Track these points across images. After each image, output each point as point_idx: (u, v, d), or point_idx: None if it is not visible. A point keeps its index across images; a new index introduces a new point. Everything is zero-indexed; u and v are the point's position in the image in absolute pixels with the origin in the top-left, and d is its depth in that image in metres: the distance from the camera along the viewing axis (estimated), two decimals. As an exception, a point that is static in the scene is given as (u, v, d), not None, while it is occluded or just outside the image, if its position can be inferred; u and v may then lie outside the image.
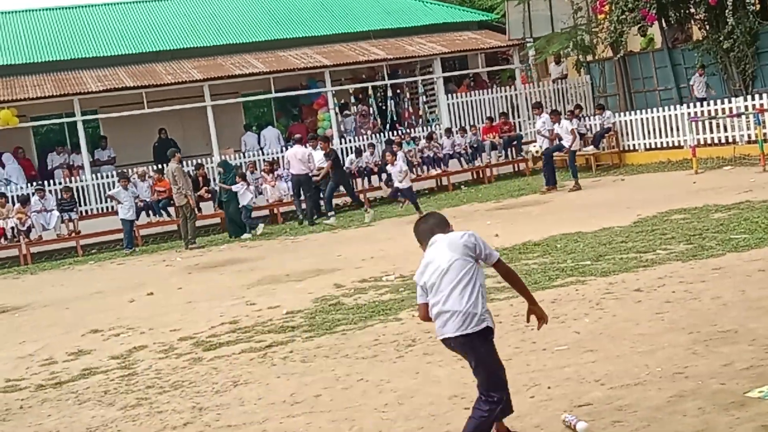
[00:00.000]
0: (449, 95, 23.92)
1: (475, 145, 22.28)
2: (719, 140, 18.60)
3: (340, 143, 22.50)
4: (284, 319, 8.86)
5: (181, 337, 8.72)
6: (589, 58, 23.23)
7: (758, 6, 18.58)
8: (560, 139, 18.14)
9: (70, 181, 20.69)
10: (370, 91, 23.98)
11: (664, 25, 20.58)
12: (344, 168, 19.68)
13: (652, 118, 20.24)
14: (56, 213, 18.97)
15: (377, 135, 22.85)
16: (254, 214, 19.17)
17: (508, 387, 4.51)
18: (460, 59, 25.91)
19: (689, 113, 18.99)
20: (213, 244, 17.68)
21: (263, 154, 22.09)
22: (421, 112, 24.49)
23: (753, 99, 17.87)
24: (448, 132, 22.51)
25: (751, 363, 5.36)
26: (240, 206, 18.06)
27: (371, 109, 24.00)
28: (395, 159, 17.71)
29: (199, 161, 20.72)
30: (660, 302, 7.28)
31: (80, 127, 21.14)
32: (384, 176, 21.04)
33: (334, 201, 19.15)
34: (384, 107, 24.24)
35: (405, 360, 6.73)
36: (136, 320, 10.03)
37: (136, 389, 7.01)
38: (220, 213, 19.12)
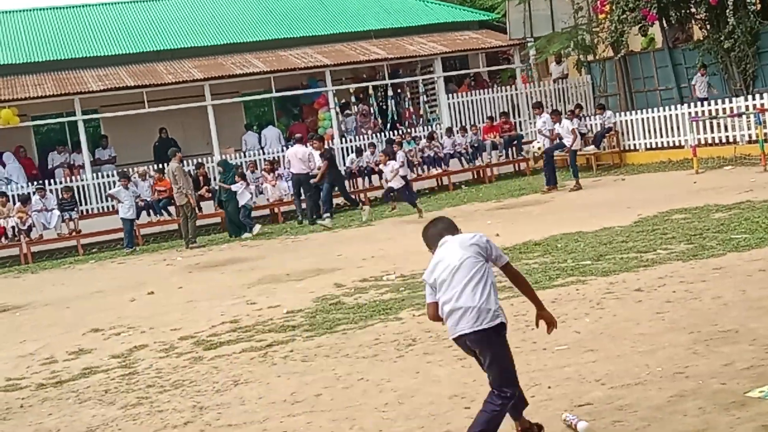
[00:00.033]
0: (450, 95, 23.92)
1: (475, 145, 22.28)
2: (720, 140, 18.60)
3: (341, 143, 22.51)
4: (285, 319, 8.86)
5: (182, 336, 8.72)
6: (590, 57, 23.23)
7: (759, 6, 18.58)
8: (561, 138, 18.14)
9: (71, 181, 20.71)
10: (371, 91, 23.98)
11: (664, 24, 20.58)
12: (339, 168, 19.59)
13: (653, 117, 20.24)
14: (57, 212, 18.97)
15: (378, 134, 22.85)
16: (255, 213, 19.20)
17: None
18: (460, 59, 25.91)
19: (690, 113, 18.99)
20: (213, 243, 17.68)
21: (264, 153, 22.09)
22: (421, 112, 24.50)
23: (754, 99, 17.87)
24: (449, 131, 22.51)
25: (751, 363, 5.36)
26: (239, 206, 18.05)
27: (372, 108, 24.00)
28: (388, 159, 17.71)
29: (200, 161, 20.72)
30: (660, 302, 7.28)
31: (81, 126, 21.15)
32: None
33: (335, 201, 19.15)
34: (385, 107, 24.25)
35: (405, 359, 6.73)
36: (137, 319, 10.04)
37: (136, 388, 7.01)
38: (221, 212, 19.13)
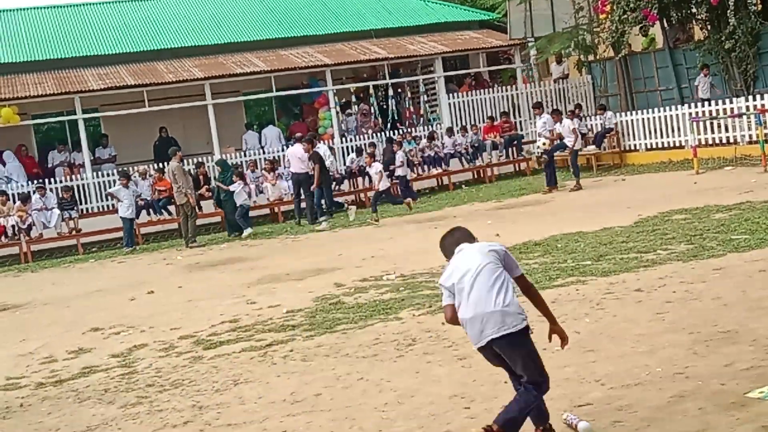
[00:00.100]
0: (450, 94, 23.91)
1: (476, 145, 22.27)
2: (720, 140, 18.59)
3: (341, 142, 22.52)
4: (284, 318, 8.86)
5: (182, 336, 8.72)
6: (591, 57, 23.23)
7: (760, 6, 18.57)
8: (562, 138, 18.13)
9: (71, 179, 20.71)
10: (372, 90, 23.98)
11: (665, 25, 20.57)
12: (326, 170, 19.46)
13: (654, 118, 20.24)
14: (57, 211, 18.97)
15: (378, 134, 22.84)
16: (255, 212, 19.19)
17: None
18: (461, 58, 25.91)
19: (690, 113, 18.99)
20: (213, 242, 17.68)
21: (264, 152, 22.09)
22: (422, 112, 24.50)
23: (754, 99, 17.87)
24: (449, 131, 22.51)
25: (751, 363, 5.36)
26: (237, 205, 18.01)
27: (372, 108, 24.00)
28: (372, 160, 17.67)
29: (200, 160, 20.71)
30: (660, 302, 7.28)
31: (81, 125, 21.15)
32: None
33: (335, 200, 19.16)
34: (385, 106, 24.24)
35: (405, 359, 6.73)
36: (137, 319, 10.04)
37: (136, 387, 7.01)
38: (221, 212, 19.12)
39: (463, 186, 21.63)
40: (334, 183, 20.18)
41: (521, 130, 23.69)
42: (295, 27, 25.28)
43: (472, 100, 23.97)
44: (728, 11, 17.99)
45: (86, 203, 20.69)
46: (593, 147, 20.95)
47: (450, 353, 6.64)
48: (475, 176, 22.54)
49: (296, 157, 18.57)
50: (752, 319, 6.36)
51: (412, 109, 24.72)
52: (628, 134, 20.93)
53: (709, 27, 19.48)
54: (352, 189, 21.05)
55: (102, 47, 23.66)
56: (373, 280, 10.32)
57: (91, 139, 22.68)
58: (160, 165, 20.26)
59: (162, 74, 22.12)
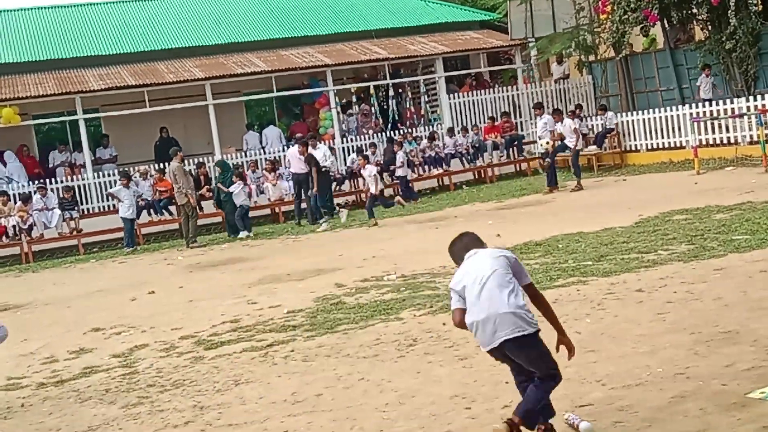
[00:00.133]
0: (451, 95, 23.91)
1: (476, 145, 22.27)
2: (721, 141, 18.59)
3: (342, 142, 22.52)
4: (285, 318, 8.86)
5: (183, 336, 8.73)
6: (591, 58, 23.23)
7: (761, 6, 18.56)
8: (563, 138, 18.11)
9: (72, 180, 20.71)
10: (372, 91, 23.98)
11: (666, 25, 20.57)
12: (328, 170, 19.41)
13: (654, 118, 20.23)
14: (58, 211, 18.97)
15: (379, 134, 22.85)
16: (256, 213, 19.16)
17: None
18: (462, 59, 25.91)
19: (691, 114, 18.98)
20: (214, 243, 17.68)
21: (265, 153, 22.09)
22: (423, 112, 24.50)
23: (755, 99, 17.87)
24: (450, 131, 22.51)
25: (752, 364, 5.36)
26: (237, 205, 17.97)
27: (373, 108, 24.00)
28: (366, 163, 17.63)
29: (201, 160, 20.72)
30: (661, 303, 7.28)
31: (82, 125, 21.16)
32: (386, 175, 21.06)
33: (336, 201, 19.15)
34: (386, 107, 24.25)
35: (406, 359, 6.73)
36: (138, 319, 10.04)
37: (137, 388, 7.01)
38: (221, 212, 19.12)
39: (464, 186, 21.62)
40: (335, 183, 20.19)
41: (522, 130, 23.68)
42: (296, 27, 25.29)
43: (473, 100, 23.96)
44: (729, 11, 17.99)
45: (87, 203, 20.69)
46: (594, 147, 20.95)
47: (451, 353, 6.65)
48: (476, 176, 22.53)
49: (296, 158, 18.55)
50: (753, 319, 6.36)
51: (412, 109, 24.72)
52: (629, 134, 20.92)
53: (709, 27, 19.47)
54: (353, 189, 21.05)
55: (103, 47, 23.67)
56: (374, 281, 10.32)
57: (92, 139, 22.69)
58: (161, 165, 20.27)
59: (163, 74, 22.13)
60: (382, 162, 21.00)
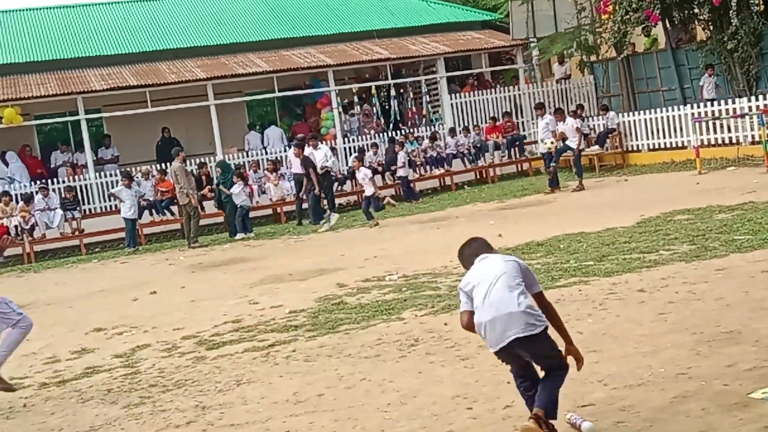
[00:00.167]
0: (452, 95, 23.92)
1: (478, 145, 22.28)
2: (723, 141, 18.58)
3: (344, 143, 22.53)
4: (287, 319, 8.86)
5: (184, 336, 8.73)
6: (593, 58, 23.22)
7: (762, 7, 18.56)
8: (564, 139, 18.09)
9: (74, 180, 20.73)
10: (374, 91, 23.99)
11: (668, 25, 20.56)
12: (329, 170, 19.38)
13: (656, 118, 20.23)
14: (60, 211, 18.99)
15: (381, 135, 22.85)
16: (258, 213, 19.15)
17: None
18: (463, 59, 25.90)
19: (693, 114, 18.98)
20: (216, 243, 17.69)
21: (266, 153, 22.10)
22: (424, 112, 24.51)
23: (757, 99, 17.86)
24: (452, 132, 22.52)
25: (754, 364, 5.36)
26: (237, 206, 17.96)
27: (375, 108, 24.01)
28: (360, 165, 17.60)
29: (203, 160, 20.73)
30: (663, 303, 7.27)
31: (84, 125, 21.19)
32: (388, 175, 21.08)
33: (336, 201, 19.17)
34: (387, 107, 24.25)
35: (408, 360, 6.73)
36: (140, 319, 10.04)
37: (139, 388, 7.01)
38: (223, 212, 19.11)
39: (466, 186, 21.63)
40: (337, 183, 20.20)
41: (523, 130, 23.68)
42: (298, 27, 25.29)
43: (475, 100, 23.97)
44: (731, 12, 17.99)
45: (89, 204, 20.71)
46: (597, 147, 20.94)
47: (452, 354, 6.65)
48: (478, 177, 22.54)
49: (297, 158, 18.56)
50: (755, 319, 6.36)
51: (414, 109, 24.73)
52: (631, 135, 20.92)
53: (711, 27, 19.47)
54: (354, 189, 21.05)
55: (104, 48, 23.69)
56: (375, 281, 10.32)
57: (94, 139, 22.71)
58: (163, 165, 20.29)
59: (164, 75, 22.14)
60: (383, 162, 21.03)
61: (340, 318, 8.50)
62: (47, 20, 25.60)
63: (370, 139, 22.52)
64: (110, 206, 20.32)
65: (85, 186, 20.83)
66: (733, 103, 18.26)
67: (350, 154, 21.75)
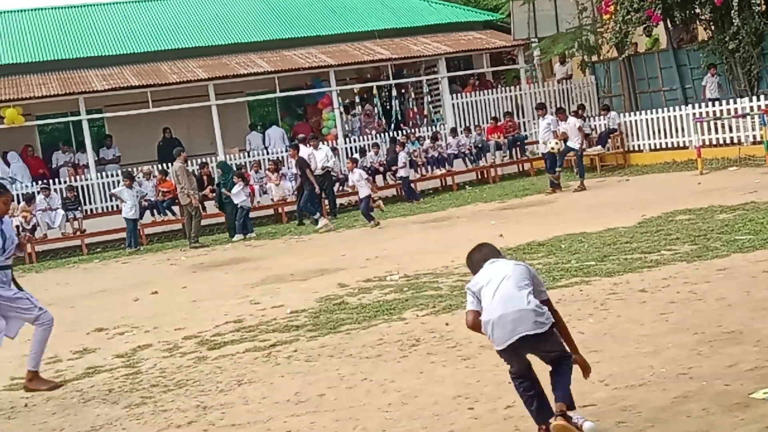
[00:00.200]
0: (454, 95, 23.92)
1: (479, 145, 22.28)
2: (724, 141, 18.58)
3: (345, 143, 22.53)
4: (288, 319, 8.87)
5: (186, 336, 8.73)
6: (594, 58, 23.21)
7: (764, 7, 18.55)
8: (566, 140, 18.07)
9: (75, 180, 20.74)
10: (375, 91, 23.99)
11: (669, 25, 20.55)
12: (330, 171, 19.38)
13: (657, 118, 20.23)
14: (61, 212, 19.01)
15: (382, 135, 22.86)
16: (260, 213, 19.13)
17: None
18: (464, 59, 25.91)
19: (694, 114, 18.98)
20: (217, 243, 17.69)
21: (268, 153, 22.11)
22: (425, 112, 24.51)
23: (758, 99, 17.85)
24: (453, 132, 22.52)
25: (755, 364, 5.36)
26: (237, 206, 17.94)
27: (376, 108, 24.01)
28: (354, 166, 17.59)
29: (204, 160, 20.74)
30: (664, 303, 7.27)
31: (85, 125, 21.21)
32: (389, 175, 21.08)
33: (339, 201, 19.17)
34: (389, 107, 24.25)
35: (409, 360, 6.73)
36: (141, 319, 10.05)
37: (140, 388, 7.02)
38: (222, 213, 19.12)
39: (467, 186, 21.63)
40: (338, 183, 20.21)
41: (525, 130, 23.68)
42: (299, 28, 25.30)
43: (476, 100, 23.98)
44: (732, 11, 17.97)
45: (90, 204, 20.73)
46: (600, 147, 20.93)
47: (454, 354, 6.65)
48: (479, 177, 22.54)
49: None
50: (756, 319, 6.36)
51: (415, 109, 24.73)
52: (632, 135, 20.92)
53: (712, 27, 19.46)
54: (356, 189, 21.02)
55: (106, 48, 23.71)
56: (376, 281, 10.32)
57: (96, 139, 22.72)
58: (164, 166, 20.30)
59: (166, 75, 22.15)
60: (384, 162, 21.03)
61: (342, 318, 8.50)
62: (49, 21, 25.62)
63: (372, 139, 22.53)
64: (112, 206, 20.34)
65: (87, 186, 20.84)
66: (735, 103, 18.25)
67: (351, 155, 21.75)
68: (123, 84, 21.42)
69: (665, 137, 20.12)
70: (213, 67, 22.68)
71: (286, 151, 21.45)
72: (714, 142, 18.68)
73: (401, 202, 20.25)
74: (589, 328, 6.81)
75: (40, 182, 20.16)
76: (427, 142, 22.11)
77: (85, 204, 20.40)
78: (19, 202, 19.11)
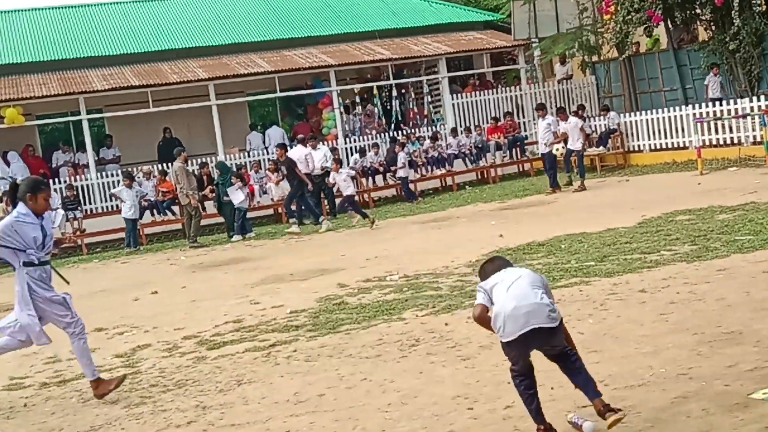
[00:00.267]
0: (454, 95, 23.92)
1: (479, 146, 22.28)
2: (724, 141, 18.58)
3: (345, 143, 22.53)
4: (288, 319, 8.86)
5: (185, 336, 8.73)
6: (595, 58, 23.21)
7: (764, 7, 18.56)
8: (566, 140, 18.05)
9: (75, 180, 20.74)
10: (375, 91, 23.99)
11: (669, 25, 20.55)
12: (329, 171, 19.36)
13: (658, 118, 20.23)
14: (61, 211, 18.99)
15: (382, 135, 22.86)
16: (260, 213, 19.10)
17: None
18: (465, 59, 25.91)
19: (694, 114, 18.98)
20: (217, 243, 17.69)
21: (268, 153, 22.11)
22: (426, 112, 24.50)
23: (759, 100, 17.85)
24: (453, 132, 22.52)
25: (755, 364, 5.35)
26: (235, 206, 17.93)
27: (376, 108, 24.01)
28: (339, 167, 17.53)
29: (204, 160, 20.73)
30: (664, 303, 7.27)
31: (85, 125, 21.21)
32: (389, 175, 21.08)
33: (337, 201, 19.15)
34: (389, 107, 24.25)
35: (408, 360, 6.73)
36: (140, 319, 10.05)
37: (139, 388, 7.01)
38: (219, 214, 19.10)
39: (467, 187, 21.63)
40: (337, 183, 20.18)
41: (525, 130, 23.68)
42: (299, 28, 25.30)
43: (476, 100, 23.97)
44: (733, 12, 17.98)
45: (90, 203, 20.73)
46: (601, 147, 20.92)
47: (453, 354, 6.64)
48: (479, 177, 22.54)
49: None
50: (756, 320, 6.35)
51: (415, 109, 24.73)
52: (632, 135, 20.92)
53: (713, 27, 19.47)
54: (356, 189, 21.02)
55: (106, 48, 23.70)
56: (376, 281, 10.32)
57: (96, 139, 22.71)
58: (164, 165, 20.29)
59: (166, 75, 22.15)
60: (384, 162, 21.03)
61: (341, 318, 8.50)
62: (49, 20, 25.62)
63: (372, 139, 22.53)
64: (111, 206, 20.33)
65: (87, 186, 20.84)
66: (735, 103, 18.25)
67: (352, 155, 21.77)
68: (123, 84, 21.42)
69: (665, 137, 20.12)
70: (213, 67, 22.68)
71: (286, 151, 21.39)
72: (714, 143, 18.68)
73: (401, 202, 20.25)
74: (589, 329, 6.81)
75: (40, 182, 20.11)
76: (428, 142, 22.11)
77: (85, 204, 20.39)
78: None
